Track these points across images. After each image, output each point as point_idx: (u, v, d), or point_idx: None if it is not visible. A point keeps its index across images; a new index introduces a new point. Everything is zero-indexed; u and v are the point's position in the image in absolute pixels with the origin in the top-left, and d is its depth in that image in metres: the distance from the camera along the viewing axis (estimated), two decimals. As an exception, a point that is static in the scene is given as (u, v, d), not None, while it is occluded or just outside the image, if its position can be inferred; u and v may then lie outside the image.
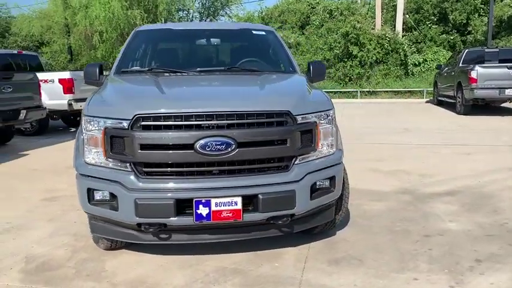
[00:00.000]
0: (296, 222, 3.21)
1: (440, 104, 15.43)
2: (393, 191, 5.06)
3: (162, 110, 2.82)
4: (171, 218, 2.80)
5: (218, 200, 2.80)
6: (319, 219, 3.31)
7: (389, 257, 3.34)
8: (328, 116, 3.18)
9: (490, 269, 3.12)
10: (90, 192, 2.97)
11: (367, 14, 24.27)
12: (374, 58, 19.82)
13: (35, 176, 6.24)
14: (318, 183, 3.14)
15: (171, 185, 2.82)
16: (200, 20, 25.31)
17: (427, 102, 17.41)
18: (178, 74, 3.81)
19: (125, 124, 2.82)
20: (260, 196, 2.84)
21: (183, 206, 2.82)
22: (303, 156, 3.03)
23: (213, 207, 2.80)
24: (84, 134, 3.00)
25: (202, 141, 2.76)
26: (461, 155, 7.01)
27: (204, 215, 2.80)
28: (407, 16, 21.80)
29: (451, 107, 13.82)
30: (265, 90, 3.23)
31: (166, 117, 2.80)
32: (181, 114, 2.80)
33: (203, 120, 2.80)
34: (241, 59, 4.20)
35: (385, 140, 8.59)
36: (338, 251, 3.46)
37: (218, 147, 2.77)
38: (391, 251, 3.44)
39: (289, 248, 3.50)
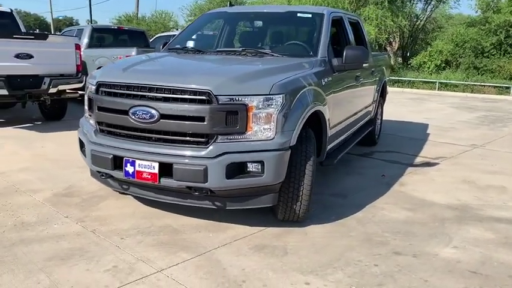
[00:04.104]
0: (230, 200, 3.32)
1: None
2: (444, 205, 4.30)
3: (112, 80, 3.37)
4: (111, 170, 3.36)
5: (141, 162, 3.21)
6: (254, 202, 3.32)
7: (320, 259, 3.10)
8: (268, 101, 3.13)
9: (405, 302, 2.61)
10: (80, 140, 3.78)
11: None
12: None
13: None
14: (248, 165, 3.17)
15: (111, 142, 3.37)
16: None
17: None
18: (197, 52, 4.24)
19: (94, 89, 3.50)
20: (174, 165, 3.11)
21: (120, 161, 3.33)
22: (229, 136, 3.12)
23: (137, 168, 3.22)
24: (85, 96, 3.81)
25: (133, 109, 3.20)
26: None
27: (130, 173, 3.25)
28: None
29: None
30: (208, 69, 3.37)
31: (115, 86, 3.34)
32: (124, 84, 3.29)
33: (138, 91, 3.23)
34: (269, 41, 4.31)
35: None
36: (281, 240, 3.38)
37: (144, 116, 3.16)
38: (330, 256, 3.17)
39: (243, 226, 3.60)
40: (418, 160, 6.14)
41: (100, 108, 3.42)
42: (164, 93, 3.15)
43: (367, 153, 6.40)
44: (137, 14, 36.98)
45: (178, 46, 4.55)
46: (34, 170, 5.03)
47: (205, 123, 3.06)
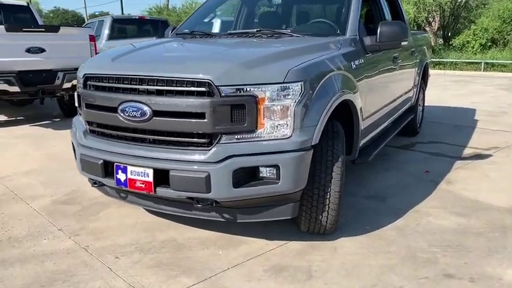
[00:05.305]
0: (241, 211, 2.76)
1: None
2: (504, 208, 3.59)
3: (100, 71, 2.85)
4: (102, 178, 2.87)
5: (133, 169, 2.69)
6: (270, 214, 2.75)
7: (351, 285, 2.51)
8: (283, 91, 2.54)
9: None
10: (72, 143, 3.30)
11: None
12: None
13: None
14: (260, 170, 2.60)
15: (101, 145, 2.86)
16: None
17: None
18: (205, 37, 3.68)
19: (81, 82, 3.00)
20: (171, 172, 2.58)
21: (111, 167, 2.82)
22: (235, 136, 2.55)
23: (129, 175, 2.70)
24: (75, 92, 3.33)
25: (122, 106, 2.68)
26: None
27: (122, 181, 2.74)
28: None
29: None
30: (210, 55, 2.80)
31: (103, 78, 2.82)
32: (112, 76, 2.76)
33: (127, 84, 2.70)
34: (290, 20, 3.72)
35: None
36: (305, 259, 2.80)
37: (134, 113, 2.63)
38: (364, 279, 2.56)
39: (260, 240, 3.05)
40: (466, 152, 5.37)
41: (88, 106, 2.92)
42: (156, 86, 2.60)
43: (407, 144, 5.68)
44: (167, 5, 36.83)
45: (187, 30, 4.00)
46: (39, 172, 4.65)
47: (205, 120, 2.49)
